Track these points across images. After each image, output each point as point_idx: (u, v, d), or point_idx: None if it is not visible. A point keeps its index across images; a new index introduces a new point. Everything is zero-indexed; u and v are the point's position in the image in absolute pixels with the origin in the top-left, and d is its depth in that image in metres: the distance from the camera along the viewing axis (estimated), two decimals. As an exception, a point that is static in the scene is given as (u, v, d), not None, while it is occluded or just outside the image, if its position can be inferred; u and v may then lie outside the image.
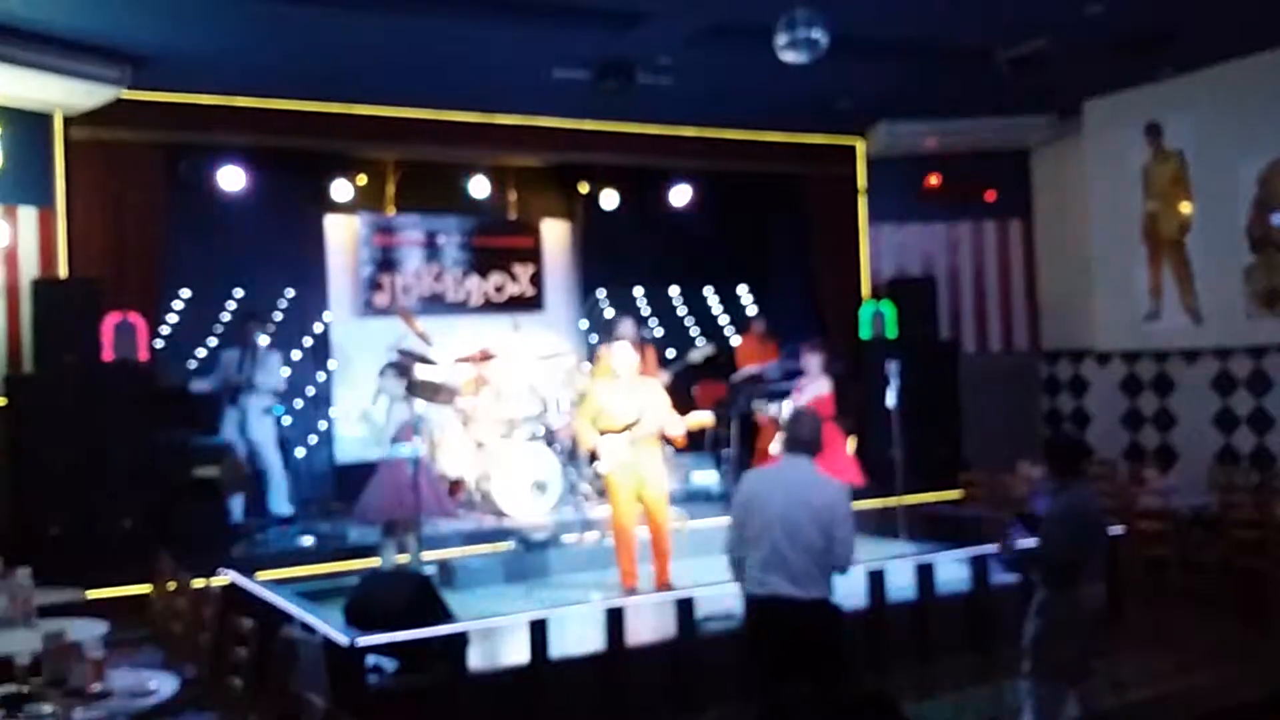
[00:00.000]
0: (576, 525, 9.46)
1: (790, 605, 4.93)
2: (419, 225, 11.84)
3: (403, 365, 8.51)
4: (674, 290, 12.84)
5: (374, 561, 8.27)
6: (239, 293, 10.60)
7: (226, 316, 10.52)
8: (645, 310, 12.49)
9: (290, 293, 10.88)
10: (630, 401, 7.83)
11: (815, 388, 9.16)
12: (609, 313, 12.27)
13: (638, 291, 12.61)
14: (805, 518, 4.95)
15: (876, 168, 12.58)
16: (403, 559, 8.20)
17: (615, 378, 8.01)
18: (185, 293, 10.37)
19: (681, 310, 12.87)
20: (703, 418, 8.32)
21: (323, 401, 11.06)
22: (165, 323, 10.12)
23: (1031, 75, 9.47)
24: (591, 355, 11.97)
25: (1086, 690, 5.37)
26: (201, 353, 10.39)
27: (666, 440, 8.33)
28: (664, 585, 7.83)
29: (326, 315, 11.13)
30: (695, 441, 10.84)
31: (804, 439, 5.19)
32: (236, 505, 9.66)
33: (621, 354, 8.01)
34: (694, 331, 12.75)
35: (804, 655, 5.00)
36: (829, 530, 4.96)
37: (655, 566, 7.93)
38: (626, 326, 10.33)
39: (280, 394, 10.15)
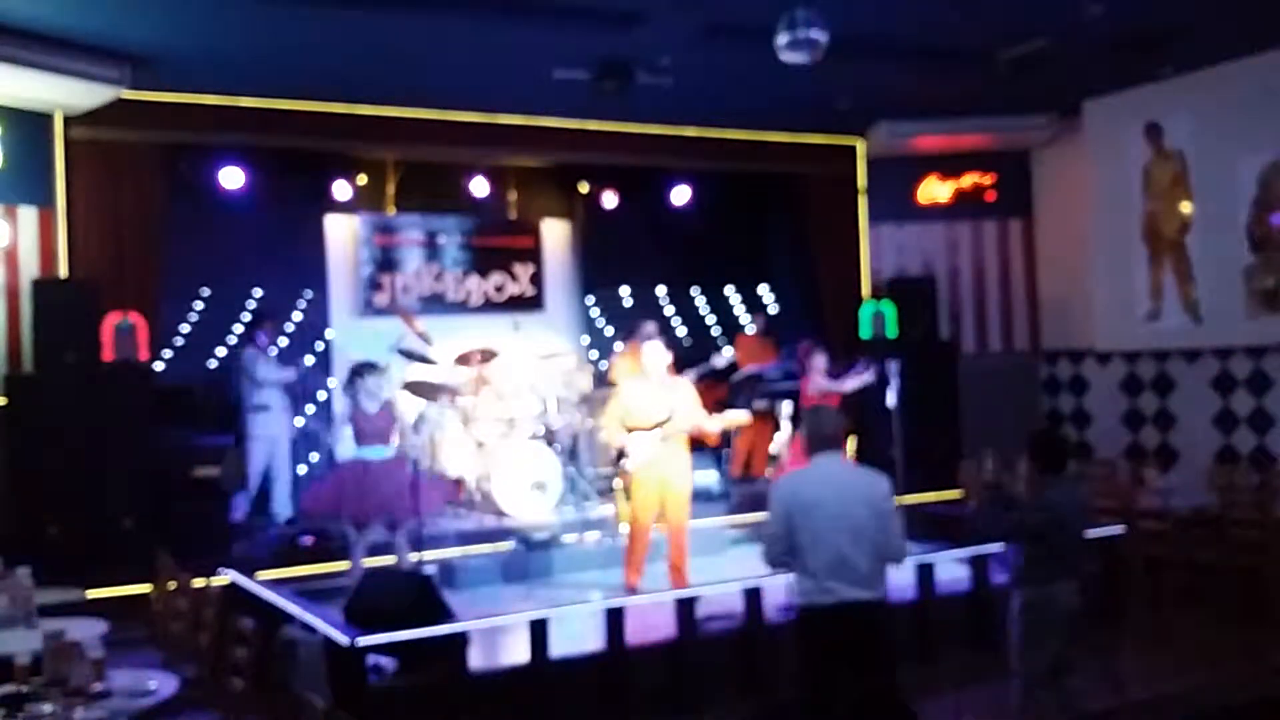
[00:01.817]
0: (577, 525, 9.45)
1: (857, 609, 4.75)
2: (419, 225, 11.84)
3: (373, 365, 8.41)
4: (674, 290, 12.84)
5: (375, 561, 8.27)
6: (239, 293, 10.60)
7: (226, 316, 10.51)
8: (643, 310, 12.47)
9: (290, 292, 10.88)
10: (660, 400, 7.70)
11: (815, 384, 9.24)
12: (611, 314, 12.31)
13: (637, 291, 12.61)
14: (864, 514, 4.79)
15: (876, 167, 12.58)
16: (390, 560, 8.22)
17: (645, 377, 7.86)
18: (185, 293, 10.37)
19: (682, 309, 12.87)
20: (738, 416, 8.15)
21: (326, 402, 11.05)
22: (165, 322, 10.10)
23: (1031, 75, 9.47)
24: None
25: (1069, 687, 5.40)
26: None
27: (696, 440, 8.27)
28: (682, 586, 7.76)
29: (326, 314, 11.12)
30: (695, 441, 10.85)
31: (832, 434, 5.01)
32: (238, 505, 9.67)
33: (653, 353, 7.84)
34: (690, 330, 12.75)
35: (863, 657, 4.82)
36: (885, 522, 4.83)
37: (672, 566, 7.84)
38: (652, 326, 10.38)
39: (288, 390, 10.13)
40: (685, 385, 7.97)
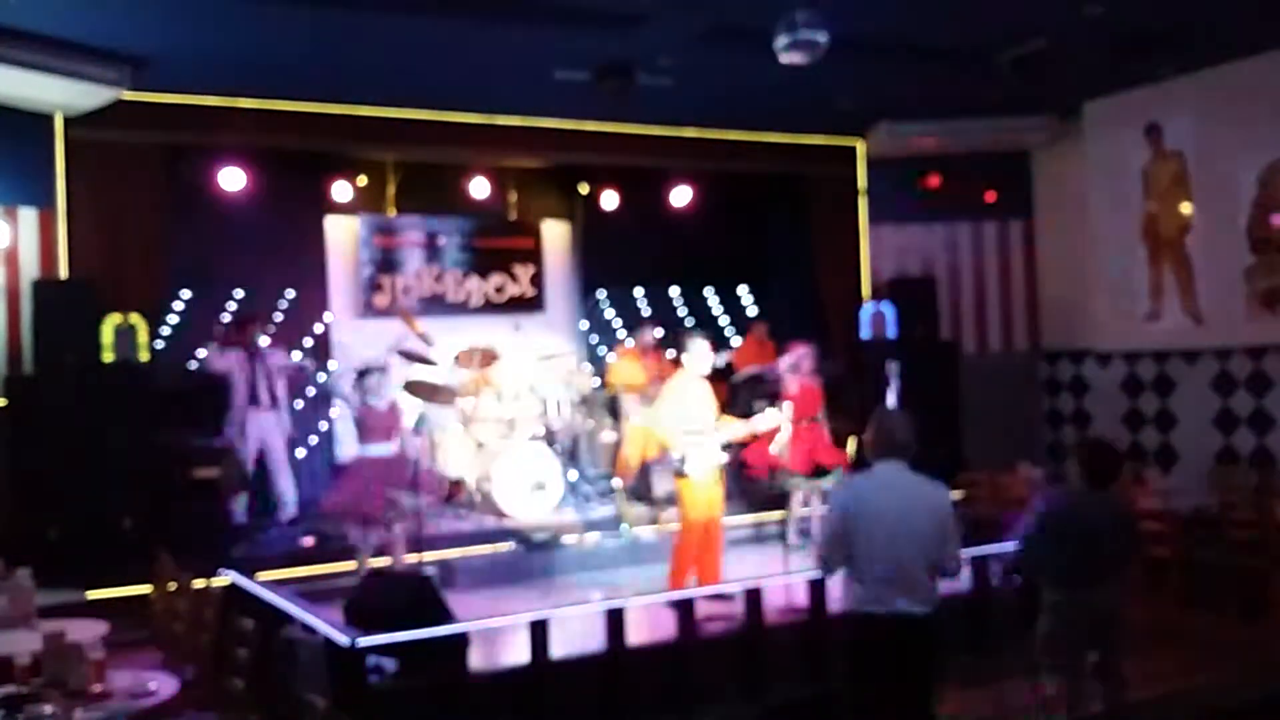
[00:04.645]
0: (577, 525, 9.46)
1: (910, 621, 4.66)
2: (419, 226, 11.83)
3: (378, 364, 8.51)
4: (674, 291, 12.84)
5: (374, 561, 8.28)
6: (239, 294, 10.60)
7: (226, 317, 10.50)
8: (645, 311, 12.48)
9: (290, 294, 10.88)
10: (706, 402, 7.64)
11: (798, 381, 9.28)
12: (609, 313, 12.32)
13: (637, 292, 12.61)
14: (925, 525, 4.69)
15: (877, 168, 12.58)
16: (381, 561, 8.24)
17: (692, 377, 7.70)
18: (186, 294, 10.37)
19: (681, 311, 12.87)
20: (774, 417, 7.86)
21: (322, 402, 11.05)
22: (165, 324, 10.11)
23: (1032, 76, 9.46)
24: (596, 354, 12.00)
25: (1080, 690, 5.42)
26: (202, 353, 10.40)
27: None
28: (715, 581, 7.68)
29: (326, 316, 11.11)
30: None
31: (901, 441, 4.88)
32: (238, 506, 9.67)
33: (700, 353, 7.70)
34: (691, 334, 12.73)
35: (909, 669, 4.73)
36: (944, 534, 4.74)
37: (708, 566, 7.74)
38: (652, 330, 10.38)
39: (291, 390, 10.14)
40: (708, 387, 7.89)
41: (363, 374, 8.35)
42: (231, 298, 10.57)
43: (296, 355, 10.25)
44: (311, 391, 10.83)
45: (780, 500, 9.05)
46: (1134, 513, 5.54)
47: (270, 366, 9.83)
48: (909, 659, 4.73)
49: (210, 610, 6.00)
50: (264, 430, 9.78)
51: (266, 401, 9.78)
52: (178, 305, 10.29)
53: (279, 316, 10.68)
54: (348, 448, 8.32)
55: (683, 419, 7.54)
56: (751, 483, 11.01)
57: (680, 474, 7.56)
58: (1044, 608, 5.54)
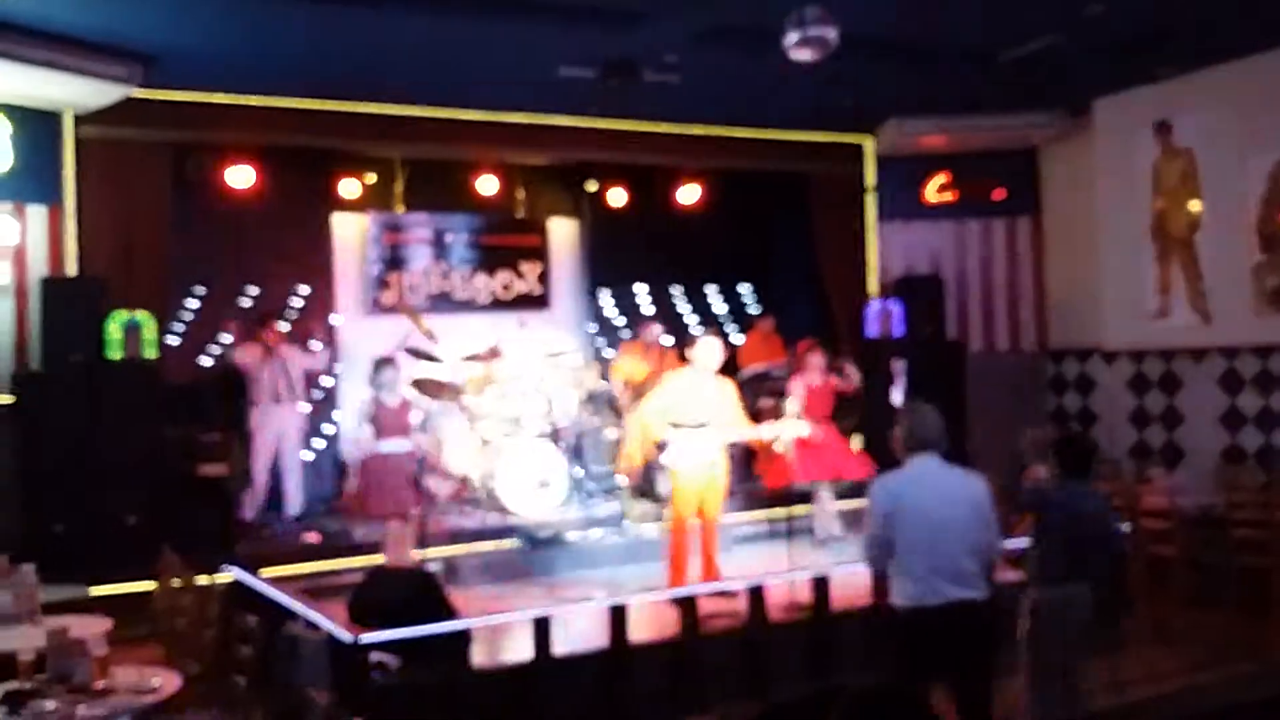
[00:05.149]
0: (581, 522, 9.46)
1: (966, 608, 4.72)
2: (427, 223, 11.86)
3: (389, 360, 8.56)
4: (680, 288, 12.85)
5: (378, 558, 8.29)
6: (247, 291, 10.64)
7: (241, 313, 10.54)
8: (652, 309, 12.48)
9: (304, 290, 10.91)
10: (709, 399, 7.62)
11: (812, 382, 9.29)
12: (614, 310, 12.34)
13: (644, 289, 12.62)
14: (967, 514, 4.77)
15: (884, 166, 12.54)
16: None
17: (696, 373, 7.71)
18: (193, 291, 10.41)
19: (687, 308, 12.88)
20: (797, 428, 7.80)
21: (329, 399, 11.08)
22: (173, 321, 10.15)
23: (1039, 74, 9.45)
24: (601, 351, 12.01)
25: (1074, 690, 5.39)
26: (215, 349, 10.45)
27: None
28: (714, 578, 7.71)
29: (336, 318, 11.14)
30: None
31: (933, 437, 4.90)
32: (248, 502, 9.71)
33: (708, 349, 7.69)
34: (699, 330, 12.75)
35: (971, 657, 4.78)
36: (986, 522, 4.83)
37: (705, 564, 7.78)
38: (658, 326, 10.69)
39: (308, 386, 10.18)
40: (729, 385, 7.86)
41: (376, 369, 8.40)
42: (240, 294, 10.63)
43: (314, 351, 10.28)
44: (321, 389, 10.87)
45: (793, 498, 9.05)
46: (1118, 511, 5.47)
47: (288, 362, 9.88)
48: (967, 647, 4.75)
49: (214, 607, 6.03)
50: (282, 426, 9.84)
51: (286, 397, 9.84)
52: (186, 302, 10.34)
53: (287, 313, 10.72)
54: (361, 445, 8.37)
55: (671, 412, 7.53)
56: (755, 480, 11.02)
57: (665, 467, 7.61)
58: (1026, 608, 5.51)
